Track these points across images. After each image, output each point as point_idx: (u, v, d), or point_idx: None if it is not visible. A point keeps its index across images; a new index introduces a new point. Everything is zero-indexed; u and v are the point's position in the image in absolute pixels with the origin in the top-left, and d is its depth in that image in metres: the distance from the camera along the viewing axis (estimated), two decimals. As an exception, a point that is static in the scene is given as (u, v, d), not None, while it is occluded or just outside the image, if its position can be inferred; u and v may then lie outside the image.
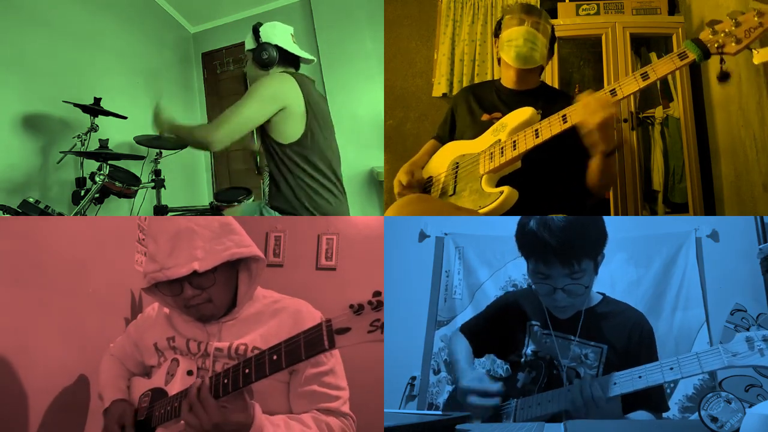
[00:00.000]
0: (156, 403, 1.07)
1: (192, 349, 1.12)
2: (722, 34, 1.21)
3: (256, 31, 1.98)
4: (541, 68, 1.70)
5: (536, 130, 1.40)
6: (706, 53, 1.22)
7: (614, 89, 1.30)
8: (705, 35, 1.23)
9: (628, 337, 1.32)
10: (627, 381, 1.12)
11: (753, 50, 1.21)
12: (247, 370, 0.89)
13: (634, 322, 1.35)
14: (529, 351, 1.36)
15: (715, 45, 1.21)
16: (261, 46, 1.96)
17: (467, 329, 1.53)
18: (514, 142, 1.43)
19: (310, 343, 0.81)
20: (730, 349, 1.01)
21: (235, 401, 0.91)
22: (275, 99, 1.84)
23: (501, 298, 1.56)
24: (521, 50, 1.60)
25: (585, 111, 1.30)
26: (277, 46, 1.97)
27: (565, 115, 1.35)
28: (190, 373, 1.07)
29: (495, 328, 1.47)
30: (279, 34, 2.00)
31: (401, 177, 1.67)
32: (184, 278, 1.06)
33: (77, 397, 1.47)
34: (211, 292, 1.09)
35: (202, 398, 0.90)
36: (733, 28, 1.20)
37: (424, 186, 1.69)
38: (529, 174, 1.45)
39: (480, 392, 1.26)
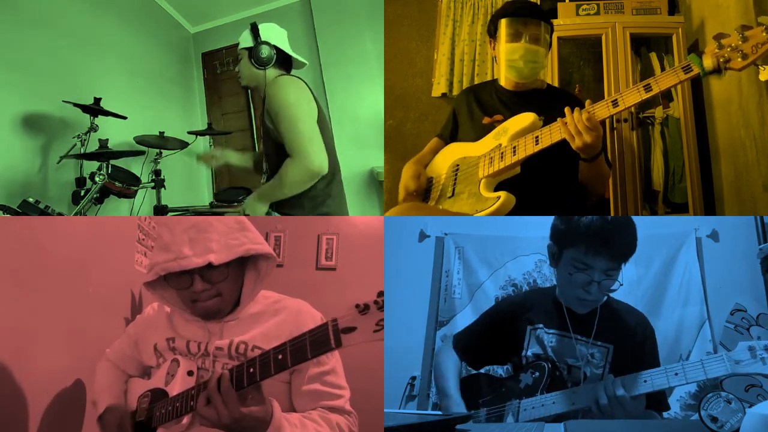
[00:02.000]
0: (156, 403, 1.07)
1: (192, 349, 1.12)
2: (728, 49, 1.19)
3: (255, 29, 1.98)
4: None
5: (536, 136, 1.41)
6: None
7: (616, 100, 1.31)
8: (711, 49, 1.21)
9: (633, 337, 1.33)
10: (632, 385, 1.13)
11: (759, 66, 1.19)
12: (251, 369, 0.88)
13: (638, 323, 1.36)
14: (530, 353, 1.36)
15: (721, 59, 1.20)
16: (260, 44, 1.96)
17: (461, 343, 1.51)
18: (514, 147, 1.44)
19: (316, 343, 0.81)
20: (733, 356, 1.04)
21: (254, 397, 0.90)
22: (310, 101, 1.86)
23: (495, 307, 1.56)
24: (522, 71, 1.58)
25: (565, 132, 1.33)
26: (275, 47, 1.97)
27: (566, 123, 1.36)
28: (190, 373, 1.07)
29: (492, 338, 1.46)
30: (276, 35, 2.00)
31: (408, 183, 1.65)
32: (196, 271, 1.06)
33: (76, 399, 1.47)
34: (221, 287, 1.09)
35: (223, 391, 0.88)
36: (740, 42, 1.18)
37: (425, 188, 1.69)
38: (528, 179, 1.45)
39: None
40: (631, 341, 1.32)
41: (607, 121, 2.15)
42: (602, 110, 1.32)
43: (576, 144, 1.32)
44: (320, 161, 1.74)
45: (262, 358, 0.88)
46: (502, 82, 1.69)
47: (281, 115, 1.79)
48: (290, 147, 1.76)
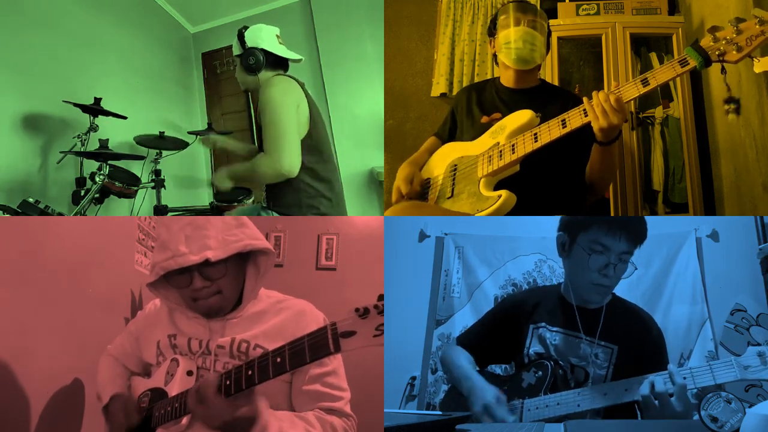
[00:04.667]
0: (156, 403, 1.07)
1: (193, 347, 1.12)
2: (723, 42, 1.20)
3: (241, 37, 1.99)
4: (539, 65, 1.70)
5: (535, 134, 1.40)
6: (707, 60, 1.22)
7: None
8: (706, 42, 1.22)
9: (639, 339, 1.32)
10: (637, 387, 1.13)
11: (754, 59, 1.20)
12: (250, 372, 0.88)
13: (646, 325, 1.35)
14: (531, 352, 1.35)
15: (717, 52, 1.21)
16: (247, 52, 1.97)
17: (465, 341, 1.51)
18: (513, 145, 1.43)
19: (314, 346, 0.81)
20: (742, 362, 1.05)
21: (244, 396, 0.91)
22: (299, 103, 1.86)
23: (498, 306, 1.56)
24: (521, 53, 1.59)
25: (590, 112, 1.31)
26: (263, 50, 1.97)
27: (564, 120, 1.36)
28: (189, 373, 1.07)
29: (495, 337, 1.46)
30: (265, 37, 2.00)
31: (401, 185, 1.65)
32: (195, 269, 1.06)
33: (75, 398, 1.47)
34: (221, 284, 1.09)
35: (209, 399, 0.90)
36: (735, 35, 1.19)
37: (423, 188, 1.68)
38: (527, 177, 1.45)
39: (496, 418, 1.25)
40: (638, 343, 1.31)
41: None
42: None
43: (600, 124, 1.30)
44: (290, 163, 1.77)
45: (261, 360, 0.88)
46: (502, 80, 1.70)
47: (265, 114, 1.81)
48: (266, 144, 1.79)
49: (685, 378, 1.08)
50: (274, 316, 1.15)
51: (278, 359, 0.85)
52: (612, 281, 1.28)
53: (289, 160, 1.76)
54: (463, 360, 1.42)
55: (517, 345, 1.39)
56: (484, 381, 1.31)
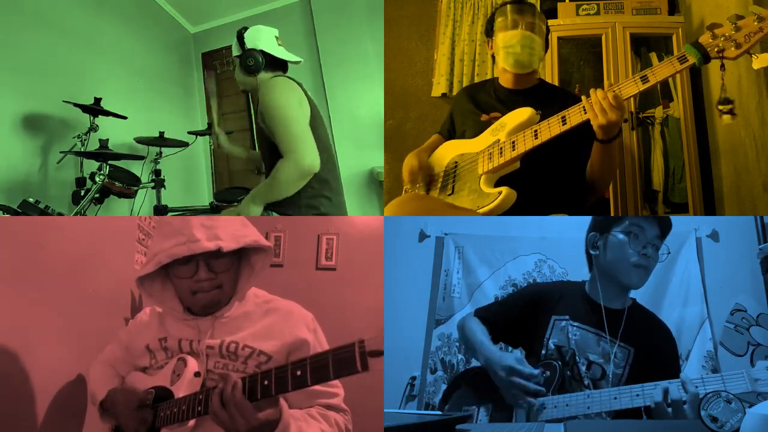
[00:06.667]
0: (161, 403, 1.06)
1: (184, 348, 1.12)
2: (722, 38, 1.20)
3: (240, 38, 1.99)
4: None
5: (535, 131, 1.40)
6: (706, 57, 1.22)
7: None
8: (705, 39, 1.22)
9: (655, 344, 1.36)
10: (650, 393, 1.15)
11: (753, 55, 1.21)
12: (266, 382, 0.86)
13: (662, 331, 1.40)
14: (551, 343, 1.37)
15: (715, 49, 1.21)
16: (246, 53, 1.97)
17: (483, 314, 1.53)
18: (513, 142, 1.43)
19: (340, 363, 0.78)
20: (752, 375, 1.07)
21: (268, 399, 0.90)
22: (301, 101, 1.86)
23: (521, 291, 1.58)
24: (519, 57, 1.58)
25: (589, 110, 1.32)
26: (262, 51, 1.97)
27: (564, 117, 1.36)
28: (197, 374, 1.07)
29: (513, 318, 1.48)
30: (264, 39, 2.00)
31: (412, 161, 1.66)
32: (202, 259, 1.07)
33: (76, 398, 1.47)
34: (223, 279, 1.10)
35: (239, 402, 0.87)
36: (733, 32, 1.19)
37: (425, 183, 1.68)
38: (528, 174, 1.45)
39: (524, 375, 1.27)
40: (654, 348, 1.34)
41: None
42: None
43: (599, 122, 1.30)
44: (311, 159, 1.74)
45: (279, 372, 0.85)
46: (501, 80, 1.69)
47: (273, 117, 1.80)
48: (282, 147, 1.78)
49: (696, 387, 1.09)
50: (262, 316, 1.16)
51: (298, 372, 0.82)
52: (650, 263, 1.33)
53: (309, 156, 1.74)
54: (479, 333, 1.45)
55: (534, 332, 1.41)
56: (499, 351, 1.36)
